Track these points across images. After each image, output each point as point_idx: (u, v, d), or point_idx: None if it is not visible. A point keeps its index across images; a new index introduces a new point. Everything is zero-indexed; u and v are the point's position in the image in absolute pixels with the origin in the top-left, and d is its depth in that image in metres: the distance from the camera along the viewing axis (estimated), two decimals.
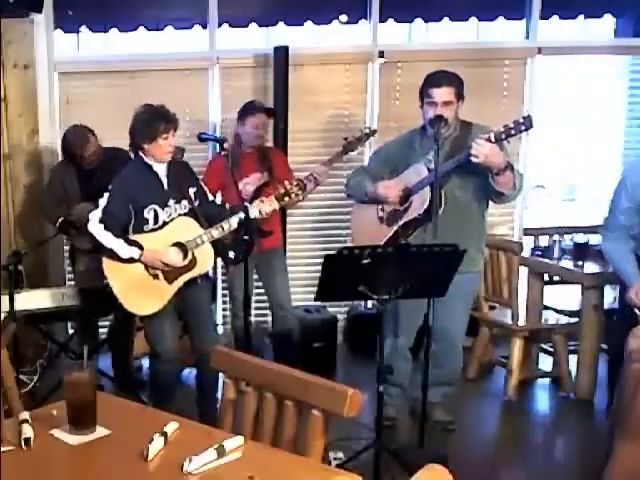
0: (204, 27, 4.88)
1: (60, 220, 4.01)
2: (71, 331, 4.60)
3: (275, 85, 4.70)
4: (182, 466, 1.60)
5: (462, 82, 3.39)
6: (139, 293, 3.34)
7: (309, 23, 5.00)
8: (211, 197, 3.52)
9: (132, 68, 4.86)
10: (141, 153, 3.31)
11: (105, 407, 1.87)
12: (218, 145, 3.56)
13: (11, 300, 3.55)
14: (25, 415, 1.85)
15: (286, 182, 3.53)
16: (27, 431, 1.76)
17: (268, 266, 4.19)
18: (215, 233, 3.34)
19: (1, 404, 2.86)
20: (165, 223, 3.32)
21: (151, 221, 3.30)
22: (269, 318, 4.49)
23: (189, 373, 4.25)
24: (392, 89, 4.97)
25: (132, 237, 3.29)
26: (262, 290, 4.40)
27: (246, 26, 5.00)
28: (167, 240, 3.31)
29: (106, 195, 3.30)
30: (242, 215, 3.30)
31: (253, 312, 4.59)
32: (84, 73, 4.86)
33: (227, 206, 3.52)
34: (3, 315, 3.54)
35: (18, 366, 3.67)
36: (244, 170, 3.97)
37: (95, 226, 3.27)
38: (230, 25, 4.94)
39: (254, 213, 3.37)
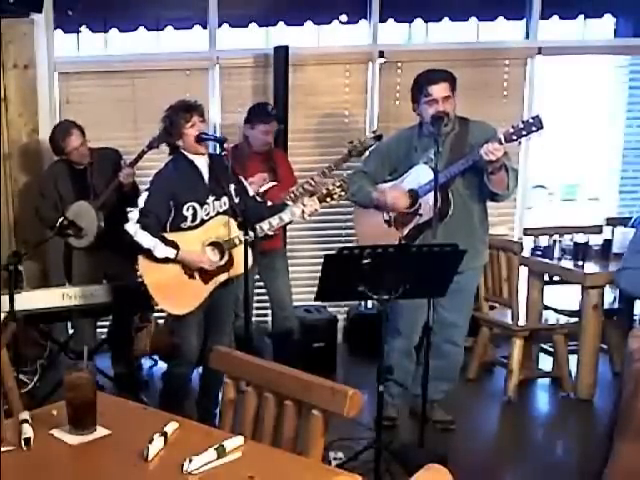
0: (204, 27, 4.88)
1: (60, 220, 3.99)
2: (71, 331, 4.59)
3: (275, 85, 4.70)
4: (182, 466, 1.60)
5: (454, 77, 3.38)
6: (174, 292, 3.29)
7: (309, 23, 5.00)
8: (252, 192, 3.48)
9: (132, 68, 4.86)
10: (182, 151, 3.29)
11: (105, 407, 1.86)
12: (218, 145, 3.54)
13: (11, 300, 3.55)
14: (25, 415, 1.84)
15: (329, 182, 3.48)
16: (27, 431, 1.76)
17: (270, 267, 4.19)
18: (265, 227, 3.30)
19: (1, 404, 2.86)
20: (203, 221, 3.27)
21: (189, 219, 3.25)
22: (269, 318, 4.49)
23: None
24: (392, 89, 4.97)
25: (169, 235, 3.24)
26: (262, 290, 4.40)
27: (246, 26, 5.00)
28: (204, 239, 3.27)
29: (145, 193, 3.26)
30: (297, 210, 3.28)
31: (253, 312, 4.59)
32: (84, 73, 4.86)
33: (269, 203, 3.50)
34: (3, 315, 3.54)
35: (18, 366, 3.66)
36: (250, 170, 3.96)
37: (132, 226, 3.20)
38: (230, 25, 4.95)
39: (297, 212, 3.33)
